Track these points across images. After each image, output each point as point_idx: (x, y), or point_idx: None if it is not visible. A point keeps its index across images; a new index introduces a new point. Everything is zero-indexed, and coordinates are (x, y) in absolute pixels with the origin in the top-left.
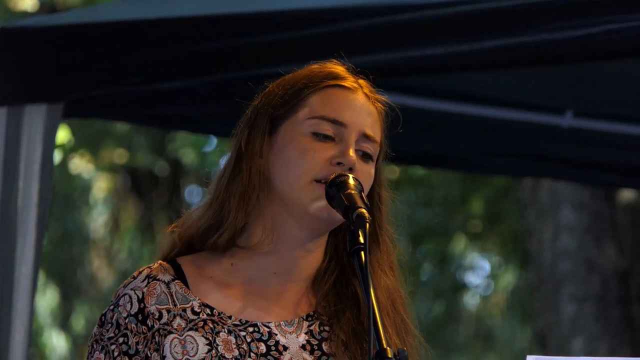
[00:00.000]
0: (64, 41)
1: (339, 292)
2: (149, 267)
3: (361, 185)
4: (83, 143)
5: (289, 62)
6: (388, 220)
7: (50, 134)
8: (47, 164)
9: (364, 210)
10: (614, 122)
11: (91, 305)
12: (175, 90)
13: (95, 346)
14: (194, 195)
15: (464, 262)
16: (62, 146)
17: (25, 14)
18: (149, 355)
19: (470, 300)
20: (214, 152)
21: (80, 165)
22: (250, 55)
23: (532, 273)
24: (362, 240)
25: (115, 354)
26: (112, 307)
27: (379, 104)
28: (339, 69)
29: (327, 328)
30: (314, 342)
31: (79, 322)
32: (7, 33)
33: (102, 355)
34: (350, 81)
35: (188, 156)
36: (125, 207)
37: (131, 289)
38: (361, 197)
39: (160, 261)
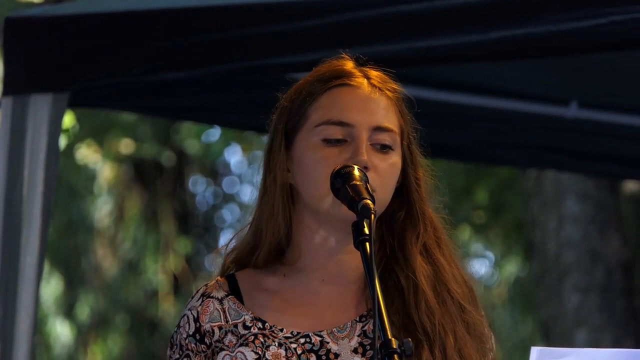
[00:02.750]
0: (69, 31)
1: (386, 284)
2: (205, 285)
3: (366, 177)
4: (89, 133)
5: (294, 52)
6: (428, 200)
7: (56, 123)
8: (52, 153)
9: (369, 201)
10: (619, 113)
11: (95, 294)
12: (181, 80)
13: None
14: (198, 184)
15: (467, 252)
16: (66, 131)
17: (30, 4)
18: None
19: None
20: (218, 142)
21: (86, 154)
22: (256, 45)
23: (536, 264)
24: (367, 231)
25: None
26: (176, 329)
27: (389, 92)
28: (346, 65)
29: None
30: (367, 342)
31: (83, 311)
32: (13, 23)
33: None
34: (354, 77)
35: (193, 146)
36: (130, 197)
37: (188, 309)
38: (366, 188)
39: (217, 277)
